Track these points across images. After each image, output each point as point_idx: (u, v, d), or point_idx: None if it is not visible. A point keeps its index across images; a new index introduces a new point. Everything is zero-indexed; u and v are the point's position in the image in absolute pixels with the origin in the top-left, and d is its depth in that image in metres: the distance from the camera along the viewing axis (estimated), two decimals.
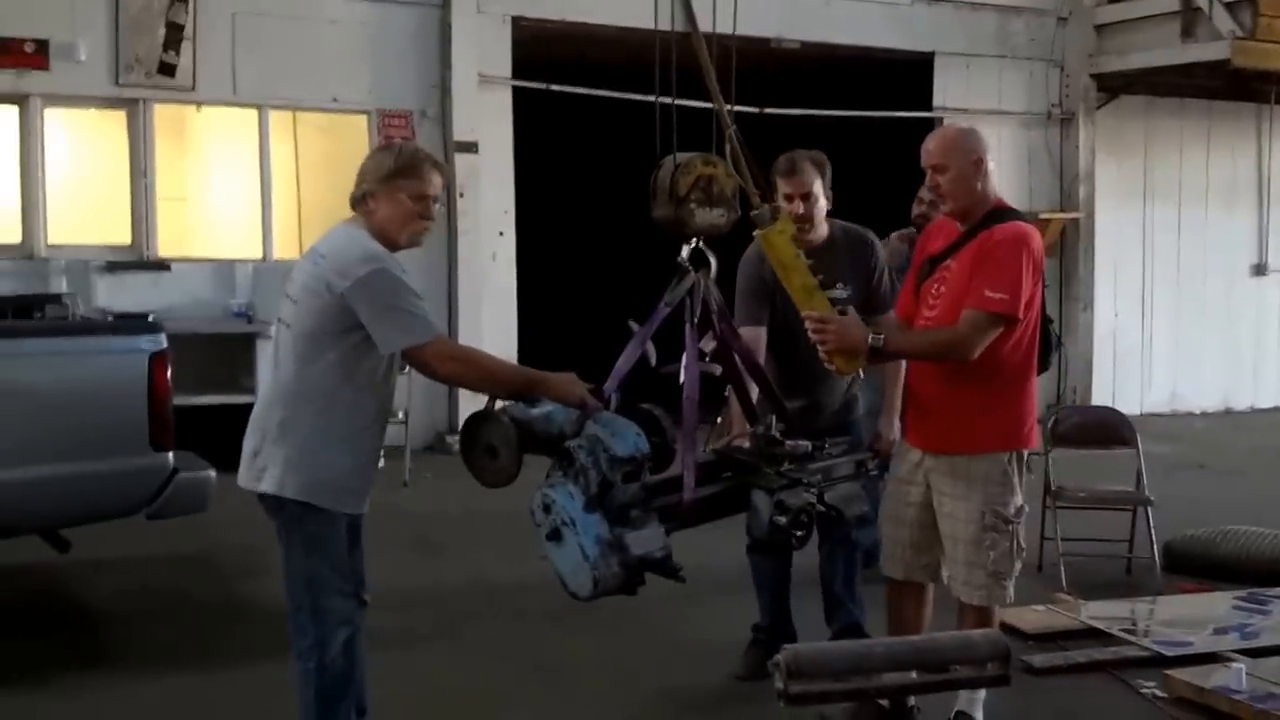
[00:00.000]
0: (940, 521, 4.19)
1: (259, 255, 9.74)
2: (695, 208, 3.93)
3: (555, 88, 10.61)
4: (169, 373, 5.27)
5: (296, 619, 3.81)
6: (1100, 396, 11.99)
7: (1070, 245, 12.34)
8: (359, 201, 3.81)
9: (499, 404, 3.90)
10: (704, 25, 10.68)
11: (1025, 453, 4.21)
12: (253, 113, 9.74)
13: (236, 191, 9.90)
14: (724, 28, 11.53)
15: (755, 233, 4.20)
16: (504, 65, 10.34)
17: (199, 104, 9.61)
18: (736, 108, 11.12)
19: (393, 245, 3.81)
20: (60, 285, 8.56)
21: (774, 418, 4.12)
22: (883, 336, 4.06)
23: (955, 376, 4.08)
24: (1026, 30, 12.30)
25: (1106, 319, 12.57)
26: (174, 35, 9.09)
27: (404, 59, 10.09)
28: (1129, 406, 10.41)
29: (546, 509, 3.76)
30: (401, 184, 3.77)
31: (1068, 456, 6.90)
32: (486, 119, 10.23)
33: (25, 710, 4.67)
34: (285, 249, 9.81)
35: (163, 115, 9.44)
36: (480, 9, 10.15)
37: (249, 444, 3.82)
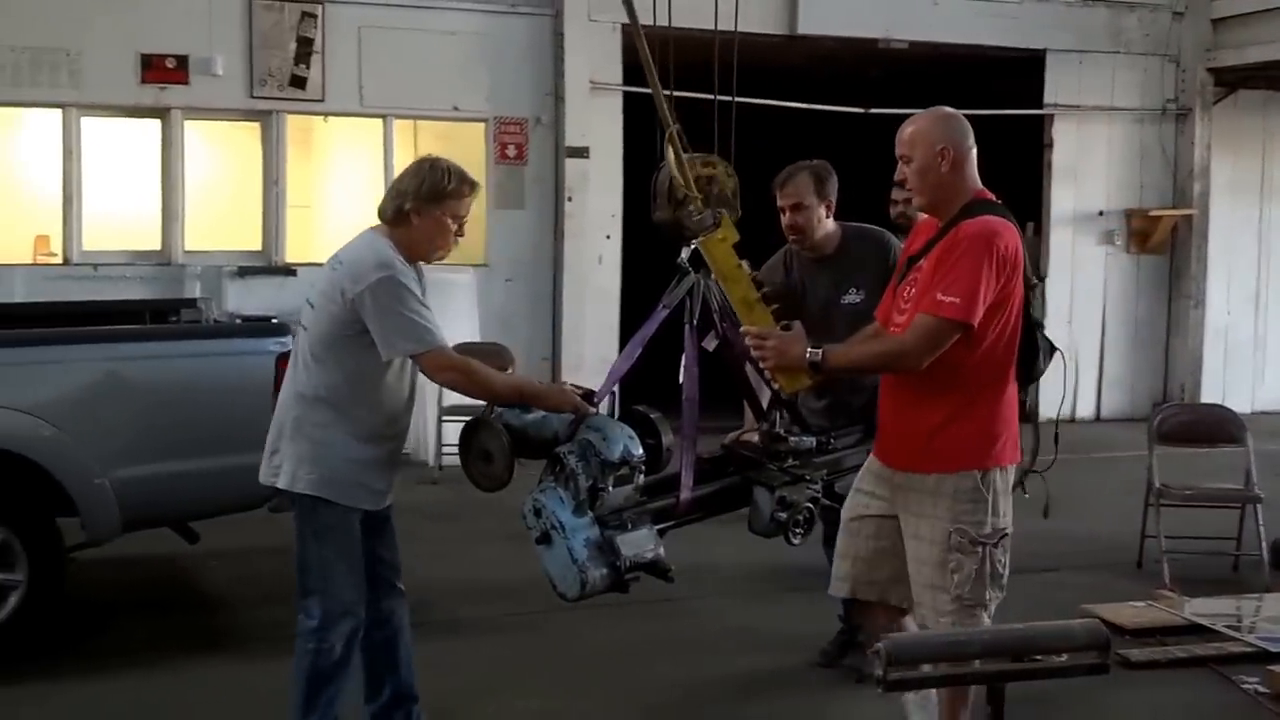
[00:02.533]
0: (906, 544, 3.75)
1: None
2: (693, 209, 3.89)
3: (665, 93, 10.66)
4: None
5: (304, 604, 3.90)
6: (1210, 394, 11.61)
7: (1182, 242, 12.00)
8: (398, 214, 3.85)
9: (495, 410, 3.92)
10: (808, 28, 10.77)
11: (1008, 469, 3.74)
12: (378, 122, 9.99)
13: (358, 198, 10.15)
14: (827, 29, 11.54)
15: (695, 241, 3.96)
16: (614, 72, 10.43)
17: (326, 115, 9.90)
18: (841, 108, 11.15)
19: (420, 259, 3.90)
20: (195, 289, 8.88)
21: (779, 414, 4.05)
22: (820, 351, 3.67)
23: (919, 389, 3.65)
24: (1140, 25, 11.98)
25: (1218, 316, 12.16)
26: (304, 50, 9.40)
27: (519, 68, 10.24)
28: (1240, 404, 10.06)
29: (537, 513, 3.77)
30: (449, 204, 3.85)
31: (1175, 455, 6.78)
32: (597, 124, 10.34)
33: (150, 688, 4.87)
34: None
35: (293, 126, 9.75)
36: (591, 17, 10.26)
37: (269, 441, 3.93)
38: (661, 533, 3.91)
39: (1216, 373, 12.08)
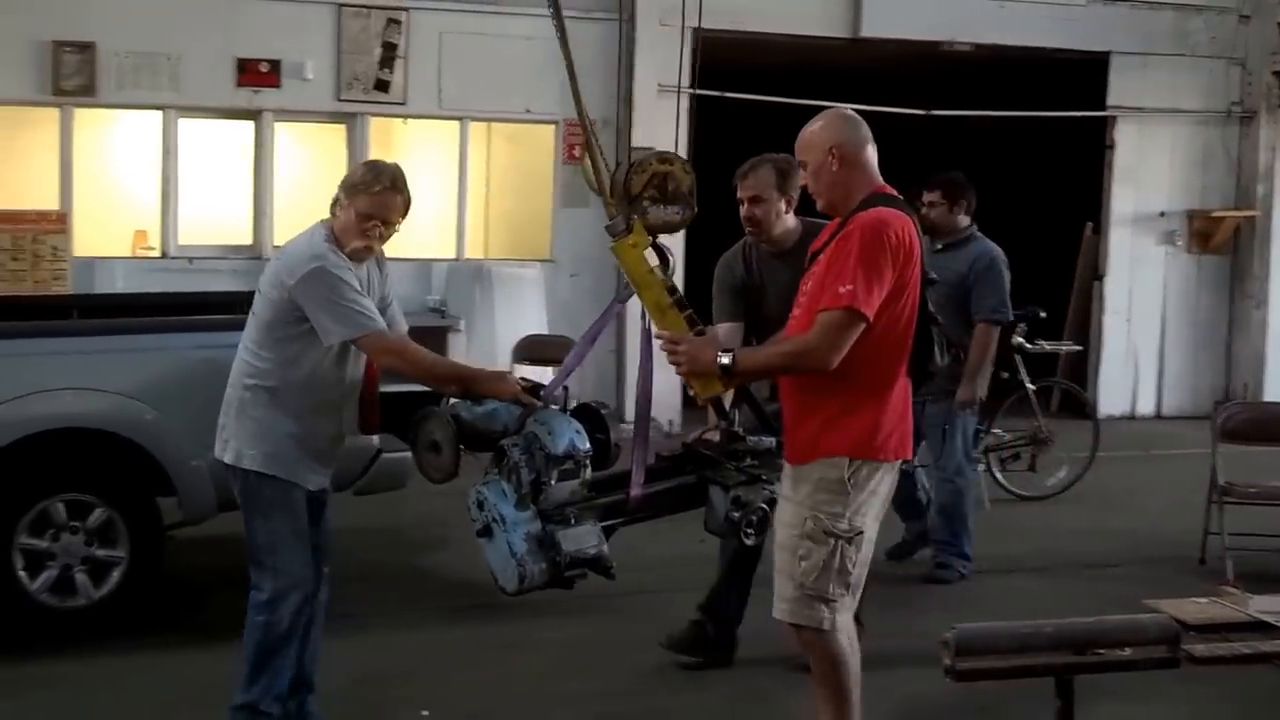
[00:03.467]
0: (775, 528, 3.62)
1: (453, 255, 10.10)
2: (649, 205, 3.83)
3: (730, 95, 10.67)
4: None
5: (256, 577, 3.96)
6: (1272, 393, 11.39)
7: (1244, 243, 11.77)
8: (331, 205, 3.93)
9: (450, 401, 3.90)
10: (872, 30, 10.69)
11: (886, 466, 3.53)
12: (454, 124, 10.09)
13: (434, 196, 10.29)
14: (890, 32, 11.45)
15: (610, 246, 3.88)
16: (683, 75, 10.43)
17: (406, 117, 10.02)
18: (904, 110, 11.06)
19: (345, 247, 3.88)
20: None
21: (738, 412, 3.93)
22: (730, 355, 3.53)
23: (811, 384, 3.51)
24: (1206, 28, 11.74)
25: None
26: (388, 54, 9.52)
27: (589, 71, 10.22)
28: None
29: (480, 506, 3.70)
30: (356, 201, 3.84)
31: (1237, 452, 6.65)
32: (664, 126, 10.34)
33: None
34: (474, 250, 10.20)
35: (375, 127, 9.88)
36: (662, 23, 10.27)
37: (221, 417, 4.00)
38: (611, 529, 3.82)
39: (1278, 373, 11.82)
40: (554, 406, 3.84)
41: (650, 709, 4.70)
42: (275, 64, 9.35)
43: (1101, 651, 3.43)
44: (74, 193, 9.20)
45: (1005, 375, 8.04)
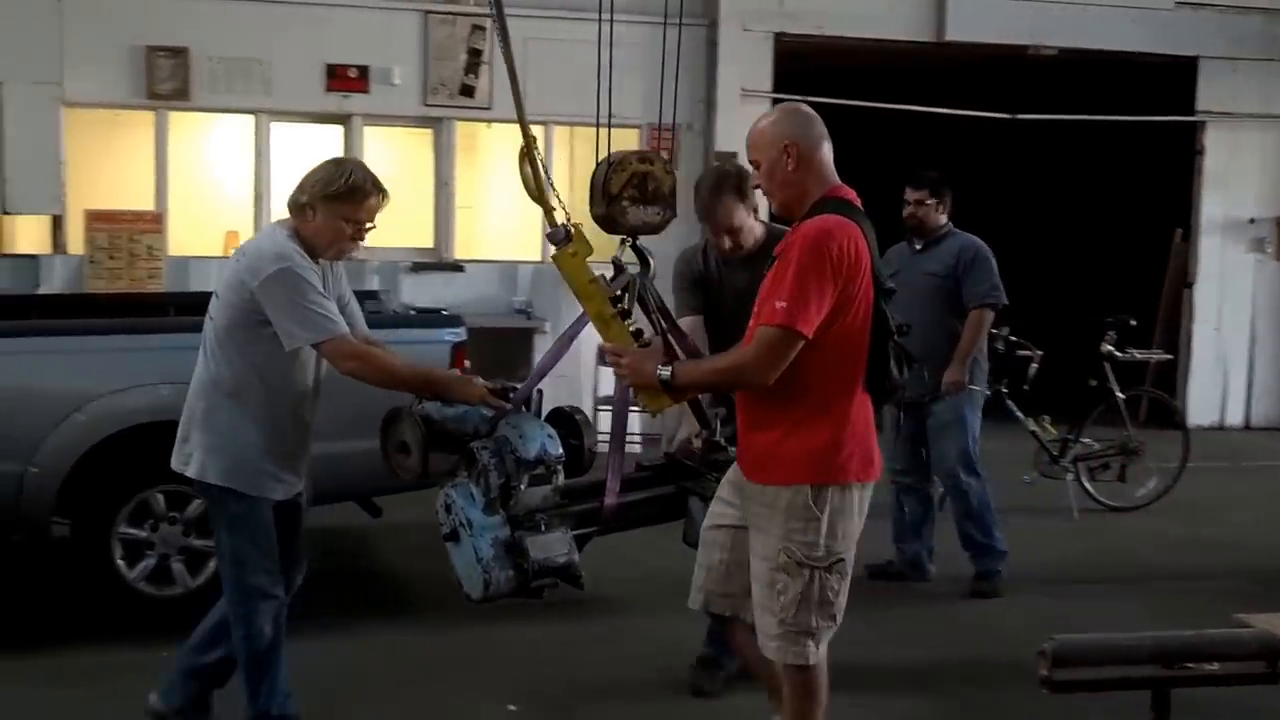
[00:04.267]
0: (751, 560, 3.43)
1: (538, 258, 10.14)
2: (628, 205, 3.70)
3: (813, 99, 10.64)
4: (466, 361, 5.61)
5: (227, 591, 3.90)
6: None
7: None
8: (298, 208, 3.77)
9: (422, 403, 3.80)
10: (956, 34, 10.60)
11: (853, 487, 3.34)
12: (538, 129, 10.13)
13: (518, 199, 10.33)
14: (975, 36, 11.36)
15: (551, 255, 3.77)
16: (765, 79, 10.43)
17: (491, 121, 10.11)
18: (986, 114, 10.96)
19: (317, 255, 3.79)
20: (373, 283, 9.14)
21: (720, 422, 3.82)
22: (670, 369, 3.34)
23: (764, 398, 3.32)
24: None
25: None
26: (474, 60, 9.64)
27: (672, 76, 10.28)
28: None
29: (448, 509, 3.60)
30: (339, 207, 3.74)
31: None
32: (746, 130, 10.34)
33: (336, 650, 5.06)
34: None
35: (461, 132, 10.00)
36: (746, 27, 10.29)
37: (181, 428, 3.88)
38: (585, 538, 3.72)
39: None
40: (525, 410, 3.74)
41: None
42: (364, 70, 9.51)
43: (1191, 666, 3.36)
44: (169, 194, 9.43)
45: (1094, 383, 7.96)
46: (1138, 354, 8.63)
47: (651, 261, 3.75)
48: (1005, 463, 8.11)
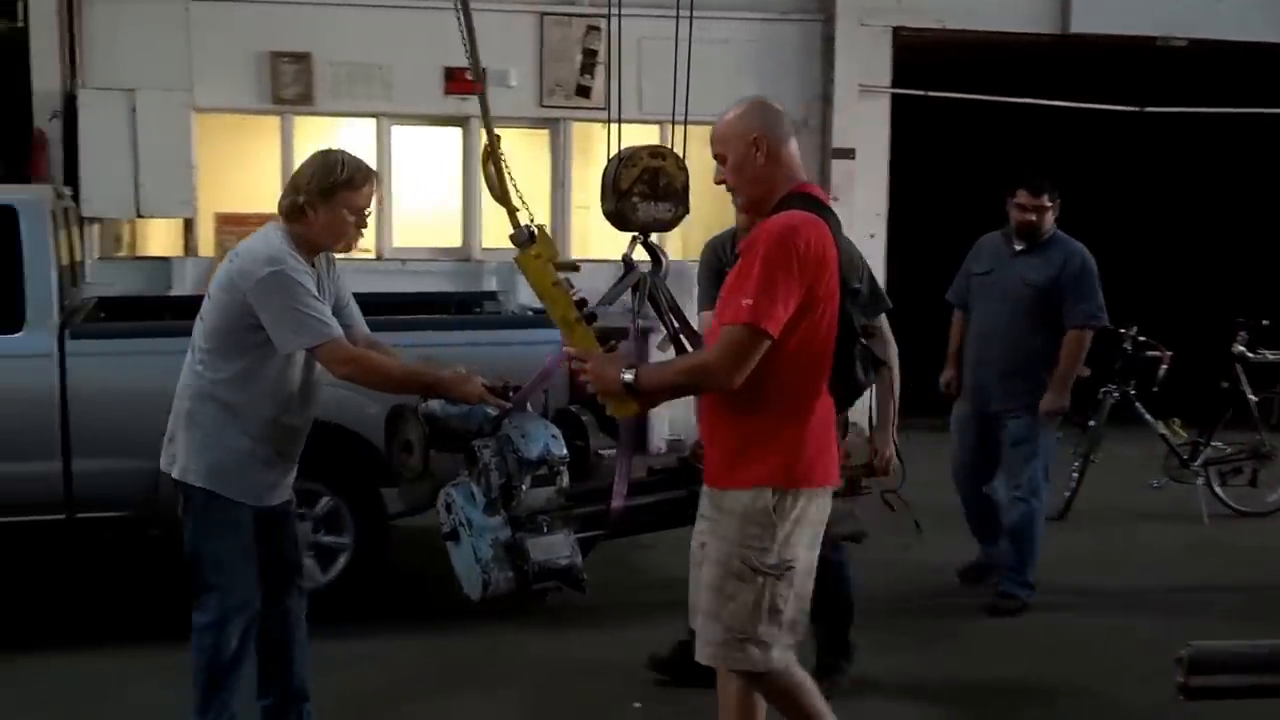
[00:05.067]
0: (703, 565, 3.34)
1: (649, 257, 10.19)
2: (638, 202, 3.61)
3: (933, 94, 10.52)
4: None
5: (201, 597, 3.77)
6: None
7: None
8: (293, 209, 3.69)
9: (426, 401, 3.73)
10: (1082, 26, 10.36)
11: (815, 493, 3.26)
12: (654, 128, 10.19)
13: None
14: (1101, 27, 11.09)
15: (514, 258, 3.70)
16: (883, 74, 10.33)
17: (604, 122, 10.14)
18: (1113, 107, 10.69)
19: (319, 252, 3.75)
20: (491, 284, 9.26)
21: None
22: (634, 373, 3.23)
23: (726, 402, 3.23)
24: None
25: None
26: (589, 61, 9.71)
27: (788, 72, 10.27)
28: None
29: (448, 508, 3.54)
30: (341, 197, 3.68)
31: None
32: (864, 126, 10.28)
33: (453, 649, 5.17)
34: (679, 250, 10.20)
35: (576, 132, 10.08)
36: (863, 22, 10.19)
37: (168, 429, 3.82)
38: (591, 541, 3.65)
39: None
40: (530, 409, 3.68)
41: None
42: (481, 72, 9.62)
43: None
44: None
45: (1225, 385, 7.74)
46: (1270, 355, 8.36)
47: (664, 259, 3.68)
48: (1133, 467, 7.97)
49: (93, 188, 8.85)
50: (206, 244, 9.42)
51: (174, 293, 8.85)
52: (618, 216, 3.65)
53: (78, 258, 6.40)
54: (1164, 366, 7.51)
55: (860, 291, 3.37)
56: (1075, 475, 7.63)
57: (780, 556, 3.21)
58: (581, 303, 3.60)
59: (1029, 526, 5.86)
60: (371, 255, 9.86)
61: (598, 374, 3.30)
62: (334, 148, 3.81)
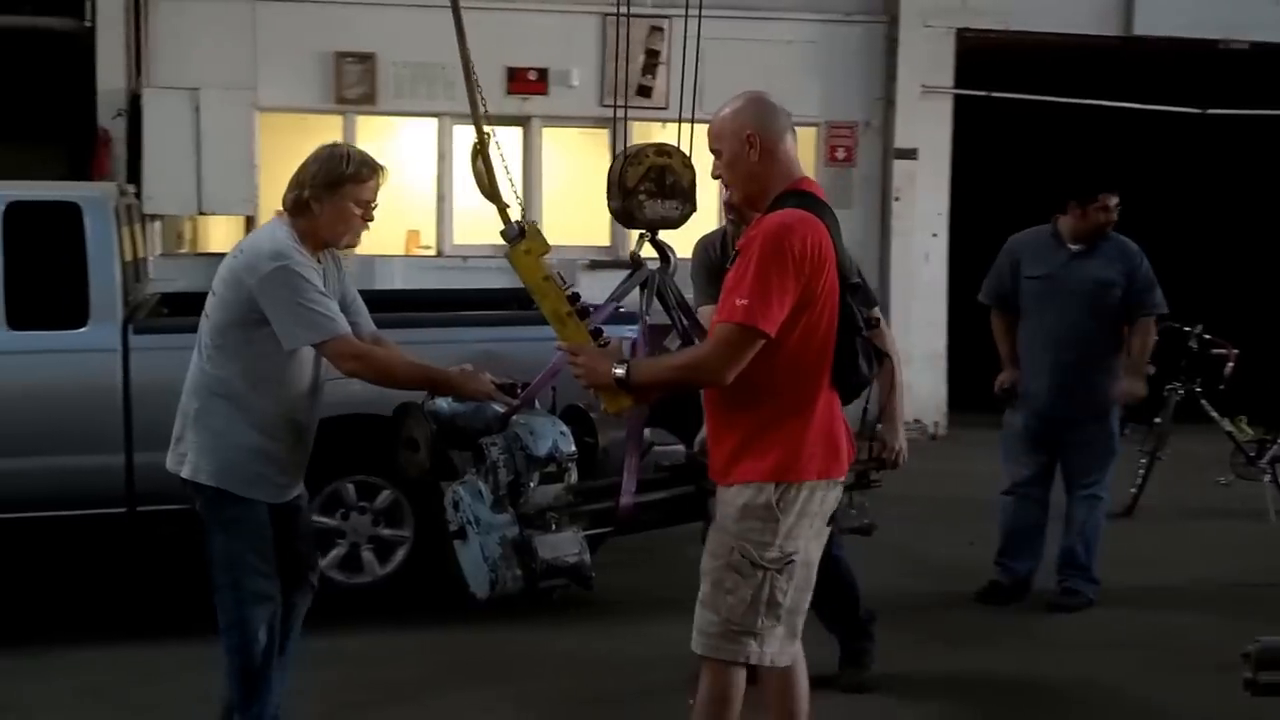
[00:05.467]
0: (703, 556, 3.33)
1: None
2: (645, 200, 3.55)
3: (996, 95, 10.42)
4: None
5: (219, 598, 3.74)
6: None
7: None
8: (298, 204, 3.65)
9: (433, 398, 3.69)
10: (1144, 29, 10.22)
11: (818, 485, 3.21)
12: None
13: (699, 199, 10.36)
14: (1163, 30, 10.92)
15: (505, 253, 3.63)
16: (946, 75, 10.28)
17: (665, 122, 10.14)
18: (1176, 109, 10.53)
19: (324, 247, 3.70)
20: None
21: None
22: (626, 367, 3.22)
23: (728, 398, 3.22)
24: None
25: None
26: (651, 61, 9.74)
27: (850, 74, 10.25)
28: None
29: (456, 506, 3.49)
30: (347, 190, 3.64)
31: None
32: (926, 127, 10.23)
33: (513, 642, 5.16)
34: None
35: (637, 132, 10.06)
36: (926, 23, 10.13)
37: (176, 428, 3.77)
38: (600, 538, 3.62)
39: None
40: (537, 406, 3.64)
41: None
42: (543, 72, 9.71)
43: None
44: None
45: None
46: None
47: (672, 257, 3.63)
48: (1199, 464, 7.88)
49: (156, 185, 8.98)
50: None
51: None
52: (624, 214, 3.62)
53: (141, 254, 6.46)
54: (1230, 364, 7.41)
55: (860, 285, 3.32)
56: (1141, 473, 7.58)
57: (782, 550, 3.19)
58: (574, 297, 3.58)
59: (1099, 524, 5.81)
60: (432, 252, 9.93)
61: (589, 368, 3.28)
62: (339, 142, 3.77)
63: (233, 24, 9.30)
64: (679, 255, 3.72)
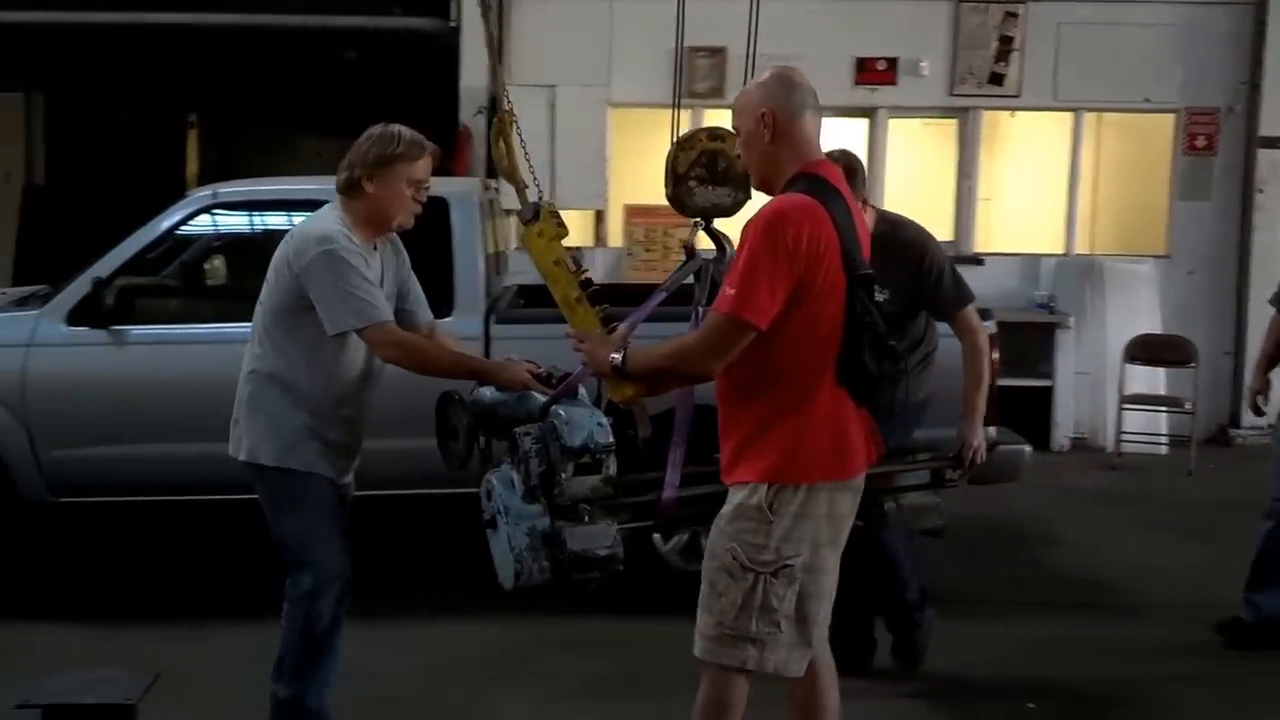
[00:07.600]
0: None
1: (1061, 250, 9.99)
2: (695, 186, 3.48)
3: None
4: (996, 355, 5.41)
5: (293, 575, 3.73)
6: None
7: None
8: (349, 185, 3.65)
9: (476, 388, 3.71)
10: None
11: (820, 487, 3.05)
12: (1065, 116, 9.81)
13: (1040, 190, 10.20)
14: None
15: (519, 235, 3.46)
16: None
17: (1016, 110, 9.82)
18: None
19: (380, 229, 3.70)
20: None
21: None
22: (623, 354, 3.16)
23: (734, 395, 3.11)
24: None
25: None
26: (1005, 47, 9.61)
27: (1212, 57, 9.78)
28: None
29: (489, 495, 3.48)
30: (399, 169, 3.63)
31: None
32: None
33: (624, 632, 5.16)
34: (1083, 245, 10.06)
35: (985, 122, 9.76)
36: None
37: (234, 414, 3.79)
38: (639, 532, 3.56)
39: None
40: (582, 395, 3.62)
41: None
42: (892, 62, 9.68)
43: None
44: None
45: None
46: None
47: (728, 246, 3.49)
48: None
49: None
50: (615, 235, 9.87)
51: None
52: (675, 201, 3.59)
53: (501, 247, 6.77)
54: None
55: (870, 276, 3.12)
56: None
57: (778, 553, 3.07)
58: (586, 283, 3.57)
59: None
60: None
61: (591, 355, 3.28)
62: (387, 123, 3.78)
63: (590, 22, 9.66)
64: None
